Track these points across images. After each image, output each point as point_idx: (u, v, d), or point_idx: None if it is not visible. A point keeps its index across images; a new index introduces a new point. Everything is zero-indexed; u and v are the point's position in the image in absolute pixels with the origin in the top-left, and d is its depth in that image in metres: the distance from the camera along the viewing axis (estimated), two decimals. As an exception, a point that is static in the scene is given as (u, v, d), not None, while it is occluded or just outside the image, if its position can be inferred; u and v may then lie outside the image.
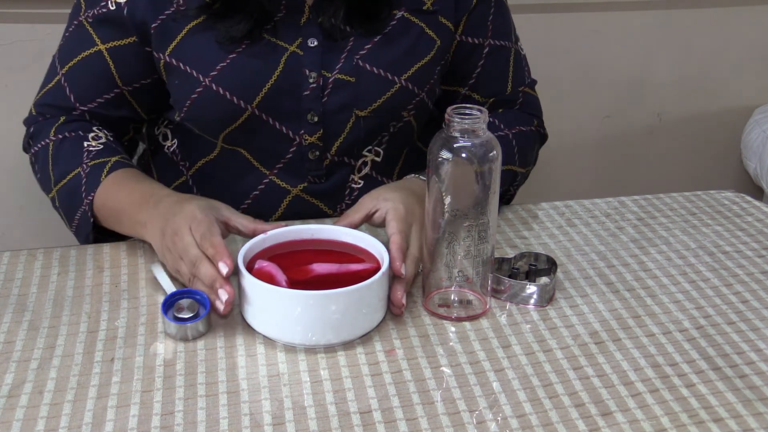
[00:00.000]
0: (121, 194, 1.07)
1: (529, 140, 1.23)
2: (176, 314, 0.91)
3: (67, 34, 1.17)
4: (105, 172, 1.10)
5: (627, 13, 2.06)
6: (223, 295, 0.91)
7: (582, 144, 2.14)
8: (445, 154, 0.91)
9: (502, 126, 1.20)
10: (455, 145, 0.91)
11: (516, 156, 1.20)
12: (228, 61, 1.10)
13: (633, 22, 2.06)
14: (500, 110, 1.25)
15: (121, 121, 1.20)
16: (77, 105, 1.17)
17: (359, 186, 1.21)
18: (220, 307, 0.91)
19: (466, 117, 0.91)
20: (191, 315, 0.91)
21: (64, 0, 1.65)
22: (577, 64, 2.06)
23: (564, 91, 2.04)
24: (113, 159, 1.11)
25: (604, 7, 2.04)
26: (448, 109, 0.92)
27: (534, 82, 1.30)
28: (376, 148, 1.20)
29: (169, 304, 0.93)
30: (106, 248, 1.09)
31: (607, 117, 2.14)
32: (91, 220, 1.09)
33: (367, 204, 1.03)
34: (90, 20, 1.14)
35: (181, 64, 1.12)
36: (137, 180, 1.09)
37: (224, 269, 0.91)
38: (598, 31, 2.05)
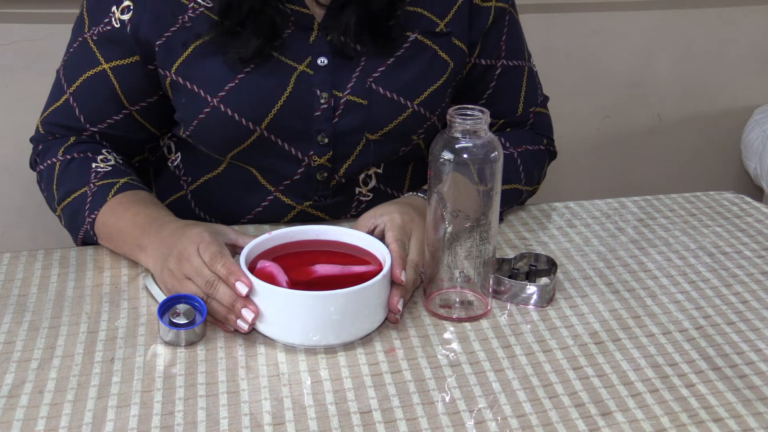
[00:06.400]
0: (126, 215, 1.05)
1: (535, 159, 1.22)
2: (172, 319, 0.91)
3: (71, 50, 1.14)
4: (112, 192, 1.07)
5: (627, 13, 2.06)
6: (248, 314, 0.90)
7: (582, 144, 2.14)
8: (447, 155, 0.91)
9: (507, 144, 1.19)
10: (457, 146, 0.91)
11: (521, 174, 1.19)
12: (236, 81, 1.08)
13: (633, 22, 2.06)
14: (508, 129, 1.24)
15: (133, 142, 1.18)
16: (87, 126, 1.14)
17: (368, 199, 1.20)
18: (244, 326, 0.90)
19: (468, 118, 0.91)
20: (187, 321, 0.91)
21: (64, 0, 1.67)
22: (577, 64, 2.06)
23: (564, 91, 2.04)
24: (122, 180, 1.09)
25: (604, 7, 2.03)
26: (450, 110, 0.92)
27: (546, 99, 1.28)
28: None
29: (166, 307, 0.92)
30: (106, 249, 1.09)
31: (607, 117, 2.14)
32: (95, 238, 1.08)
33: (365, 223, 1.03)
34: (95, 38, 1.11)
35: (188, 83, 1.09)
36: (145, 204, 1.07)
37: (243, 289, 0.90)
38: (598, 31, 2.05)
